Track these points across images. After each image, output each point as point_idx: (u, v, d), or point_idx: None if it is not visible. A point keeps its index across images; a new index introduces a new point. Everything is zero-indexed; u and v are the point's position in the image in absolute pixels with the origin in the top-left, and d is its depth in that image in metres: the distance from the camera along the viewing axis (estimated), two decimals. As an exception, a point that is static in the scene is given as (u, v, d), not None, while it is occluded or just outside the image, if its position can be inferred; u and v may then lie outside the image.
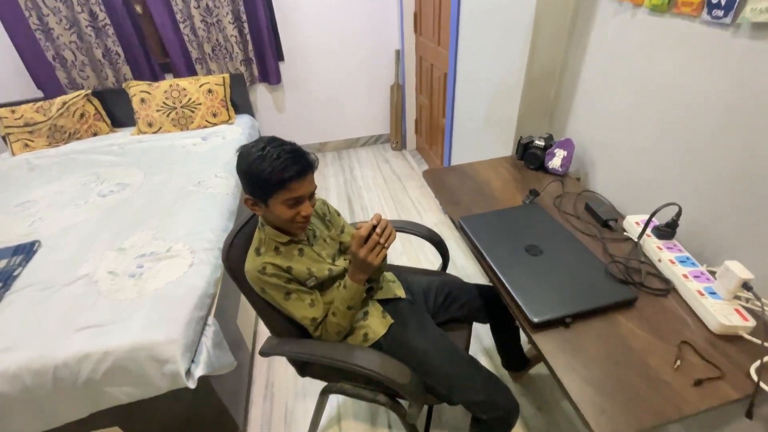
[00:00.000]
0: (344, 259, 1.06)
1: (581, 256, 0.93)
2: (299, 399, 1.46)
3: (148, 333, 1.05)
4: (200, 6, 2.42)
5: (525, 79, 1.34)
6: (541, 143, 1.33)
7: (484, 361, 1.54)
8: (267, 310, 0.99)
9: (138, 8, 2.49)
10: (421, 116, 2.94)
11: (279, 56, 2.77)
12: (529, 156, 1.35)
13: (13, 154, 2.27)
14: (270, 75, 2.76)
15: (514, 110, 1.44)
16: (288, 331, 1.03)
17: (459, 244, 2.15)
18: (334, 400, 1.44)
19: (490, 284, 1.03)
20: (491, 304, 1.15)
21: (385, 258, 0.92)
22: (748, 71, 0.78)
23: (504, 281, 0.87)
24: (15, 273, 1.30)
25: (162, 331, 1.06)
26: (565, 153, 1.28)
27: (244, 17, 2.50)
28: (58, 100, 2.30)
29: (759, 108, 0.77)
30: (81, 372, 1.02)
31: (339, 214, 1.12)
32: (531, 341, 0.78)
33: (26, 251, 1.40)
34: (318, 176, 2.96)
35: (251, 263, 0.90)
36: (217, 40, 2.56)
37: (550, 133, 1.38)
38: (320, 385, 1.11)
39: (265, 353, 1.00)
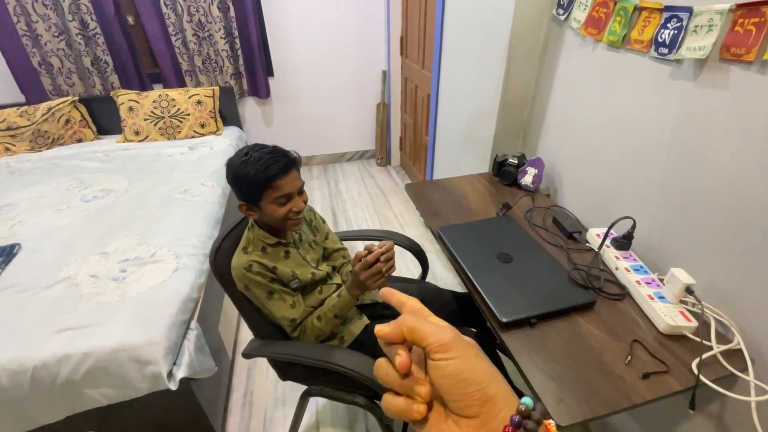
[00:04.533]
0: (327, 265, 1.10)
1: (547, 264, 1.00)
2: (278, 407, 1.47)
3: (131, 335, 1.06)
4: (192, 21, 2.49)
5: (500, 102, 1.45)
6: (514, 161, 1.43)
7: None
8: (250, 312, 1.02)
9: (130, 19, 2.54)
10: (406, 134, 3.05)
11: (269, 72, 2.85)
12: (504, 173, 1.45)
13: (-7, 157, 2.24)
14: (259, 89, 2.83)
15: (491, 130, 1.54)
16: (271, 334, 1.06)
17: (439, 256, 2.22)
18: (313, 407, 1.46)
19: (466, 291, 1.09)
20: (465, 309, 1.21)
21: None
22: (689, 101, 0.89)
23: (476, 284, 0.94)
24: (-7, 275, 1.29)
25: (144, 333, 1.07)
26: (536, 171, 1.38)
27: (236, 33, 2.58)
28: (44, 105, 2.30)
29: (698, 135, 0.87)
30: (60, 373, 1.02)
31: (324, 221, 1.17)
32: (499, 339, 0.84)
33: (6, 254, 1.39)
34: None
35: (238, 260, 0.94)
36: (207, 53, 2.62)
37: (523, 152, 1.48)
38: (300, 393, 1.13)
39: (248, 355, 1.02)
